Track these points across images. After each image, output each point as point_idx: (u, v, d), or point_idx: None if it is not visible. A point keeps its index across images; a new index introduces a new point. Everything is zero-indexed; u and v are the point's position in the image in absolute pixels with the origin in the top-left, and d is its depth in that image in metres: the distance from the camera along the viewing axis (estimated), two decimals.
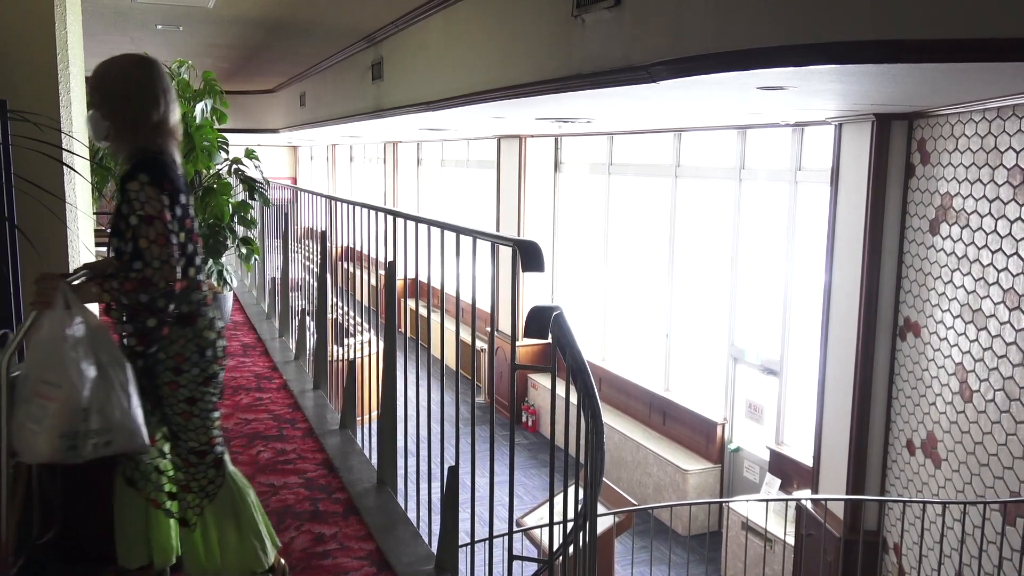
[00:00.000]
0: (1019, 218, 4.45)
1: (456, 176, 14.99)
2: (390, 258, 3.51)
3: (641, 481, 8.77)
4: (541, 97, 5.23)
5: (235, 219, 6.07)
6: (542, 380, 10.87)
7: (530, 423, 10.99)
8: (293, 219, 6.57)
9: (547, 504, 4.09)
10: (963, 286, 4.92)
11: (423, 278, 3.19)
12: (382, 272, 3.61)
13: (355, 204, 4.32)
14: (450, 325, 12.41)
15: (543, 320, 2.13)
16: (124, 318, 2.40)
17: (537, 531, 5.89)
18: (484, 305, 9.86)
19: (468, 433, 3.00)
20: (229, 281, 6.08)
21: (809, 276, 7.02)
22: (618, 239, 10.20)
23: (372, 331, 4.40)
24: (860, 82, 3.84)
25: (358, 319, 6.61)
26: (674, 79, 3.79)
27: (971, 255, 4.84)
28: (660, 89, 4.19)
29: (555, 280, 11.45)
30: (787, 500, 6.78)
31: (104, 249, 8.12)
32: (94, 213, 5.66)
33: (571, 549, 2.36)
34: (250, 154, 6.31)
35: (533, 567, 4.77)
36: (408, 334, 3.58)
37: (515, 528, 5.41)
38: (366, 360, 6.05)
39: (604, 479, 3.20)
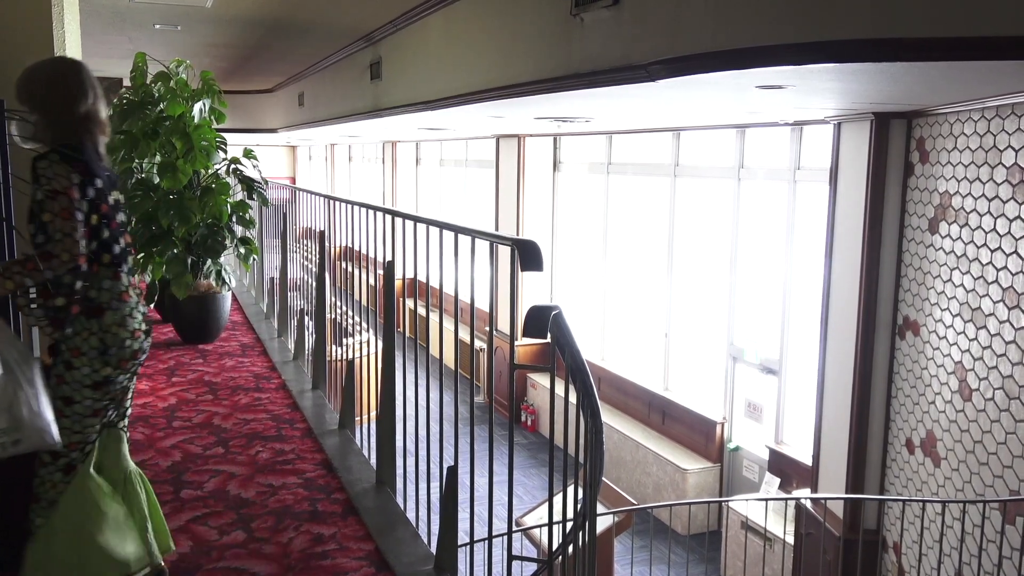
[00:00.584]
0: (1018, 217, 4.45)
1: (455, 175, 14.99)
2: (389, 258, 3.51)
3: (640, 480, 8.77)
4: (540, 96, 5.22)
5: (233, 219, 6.06)
6: (541, 380, 10.86)
7: (529, 423, 10.98)
8: (292, 219, 6.57)
9: (546, 504, 4.08)
10: (962, 285, 4.91)
11: (422, 278, 3.19)
12: (381, 272, 3.60)
13: (354, 204, 4.31)
14: (449, 325, 12.41)
15: (542, 320, 2.13)
16: (33, 305, 2.32)
17: (536, 531, 5.88)
18: (483, 305, 9.87)
19: (467, 433, 3.00)
20: (228, 281, 6.08)
21: (808, 275, 7.02)
22: (617, 238, 10.20)
23: (371, 331, 4.40)
24: (859, 81, 3.83)
25: (357, 319, 6.60)
26: (673, 78, 3.78)
27: (970, 254, 4.84)
28: (659, 88, 4.19)
29: (554, 279, 11.45)
30: (786, 499, 6.78)
31: None
32: None
33: (570, 549, 2.35)
34: (248, 154, 6.30)
35: (532, 567, 4.77)
36: (407, 334, 3.57)
37: (514, 528, 5.41)
38: (365, 360, 6.06)
39: (603, 479, 3.19)
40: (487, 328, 2.76)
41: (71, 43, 4.40)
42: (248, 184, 6.16)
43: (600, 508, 5.44)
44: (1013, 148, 4.48)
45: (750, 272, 8.04)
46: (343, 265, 6.24)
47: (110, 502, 2.47)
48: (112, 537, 2.44)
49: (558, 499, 3.01)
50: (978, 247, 4.77)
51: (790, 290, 7.41)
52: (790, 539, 6.46)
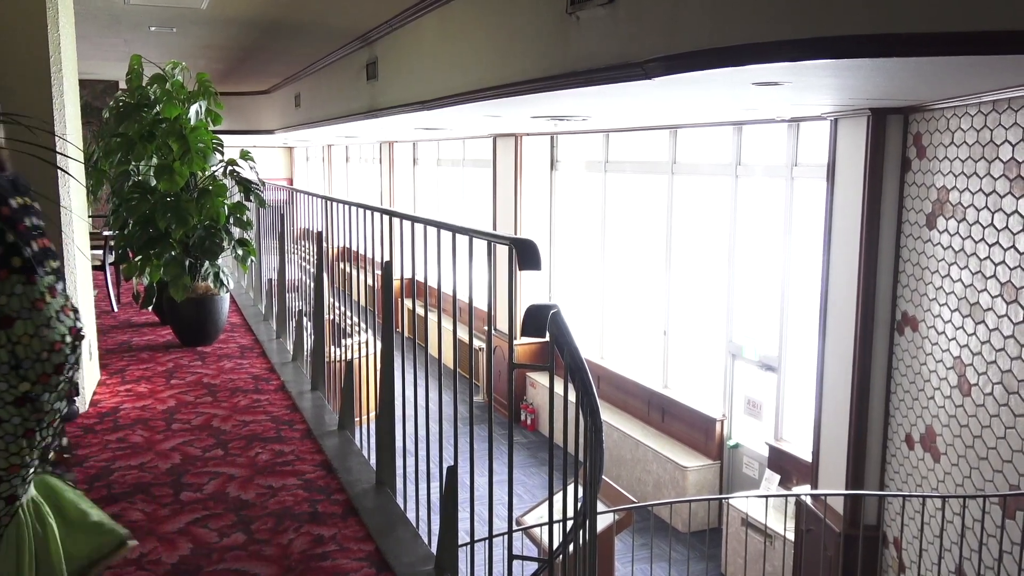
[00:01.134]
0: (1016, 211, 4.45)
1: (452, 175, 14.98)
2: (387, 258, 3.50)
3: (640, 478, 8.77)
4: (536, 95, 5.22)
5: (231, 221, 6.06)
6: (540, 379, 10.86)
7: (529, 422, 10.98)
8: (289, 220, 6.56)
9: (546, 503, 4.08)
10: (960, 280, 4.92)
11: (420, 278, 3.18)
12: (379, 272, 3.60)
13: (351, 204, 4.31)
14: (448, 325, 12.41)
15: (541, 318, 2.12)
16: None
17: (537, 530, 5.88)
18: (481, 304, 9.86)
19: (467, 432, 3.00)
20: (226, 283, 6.07)
21: (806, 272, 7.02)
22: (615, 237, 10.19)
23: (369, 331, 4.40)
24: (855, 77, 3.83)
25: (355, 319, 6.60)
26: (669, 75, 3.78)
27: (968, 249, 4.84)
28: (655, 86, 4.19)
29: (552, 278, 11.45)
30: (787, 496, 6.78)
31: (100, 252, 8.09)
32: (88, 216, 5.65)
33: (571, 547, 2.35)
34: (245, 155, 6.30)
35: (533, 566, 4.77)
36: (406, 334, 3.56)
37: (515, 527, 5.40)
38: (364, 361, 6.05)
39: (603, 477, 3.19)
40: (486, 327, 2.76)
41: (66, 46, 4.40)
42: (245, 186, 6.16)
43: (600, 506, 5.43)
44: (1010, 143, 4.48)
45: (748, 269, 8.04)
46: (341, 266, 6.24)
47: (43, 524, 2.29)
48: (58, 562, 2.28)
49: (558, 498, 3.01)
50: (976, 242, 4.77)
51: (788, 287, 7.41)
52: (790, 536, 6.46)
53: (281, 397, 4.93)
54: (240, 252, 6.18)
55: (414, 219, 3.24)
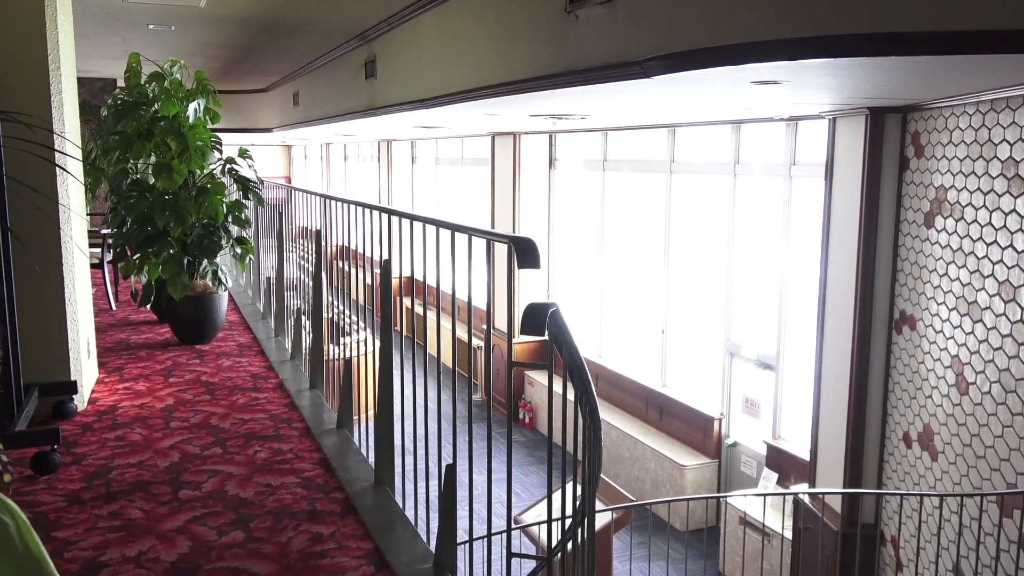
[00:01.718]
0: (1013, 210, 4.46)
1: (451, 174, 14.97)
2: (385, 256, 3.50)
3: (639, 477, 8.78)
4: (535, 94, 5.22)
5: (229, 219, 6.05)
6: (539, 377, 10.87)
7: (527, 420, 10.99)
8: (288, 218, 6.56)
9: (545, 501, 4.09)
10: (958, 279, 4.92)
11: (419, 276, 3.18)
12: (377, 270, 3.60)
13: (350, 203, 4.31)
14: (446, 323, 12.41)
15: (539, 317, 2.13)
16: None
17: (535, 528, 5.89)
18: (480, 303, 9.86)
19: (465, 431, 3.00)
20: (224, 281, 6.07)
21: (804, 270, 7.03)
22: (613, 235, 10.20)
23: (368, 330, 4.40)
24: (854, 76, 3.84)
25: (354, 318, 6.60)
26: (668, 74, 3.78)
27: (966, 248, 4.85)
28: (654, 84, 4.19)
29: (551, 277, 11.45)
30: (784, 494, 6.79)
31: (98, 250, 8.09)
32: (87, 214, 5.65)
33: (569, 546, 2.35)
34: (244, 153, 6.29)
35: (532, 564, 4.77)
36: (404, 332, 3.56)
37: (513, 526, 5.40)
38: (362, 359, 6.05)
39: (602, 475, 3.20)
40: (485, 326, 2.76)
41: (64, 44, 4.39)
42: (244, 184, 6.15)
43: (598, 505, 5.44)
44: (1008, 142, 4.49)
45: (747, 268, 8.05)
46: (340, 264, 6.24)
47: None
48: None
49: (557, 496, 3.01)
50: (973, 241, 4.78)
51: (786, 285, 7.42)
52: (788, 534, 6.47)
53: (280, 395, 4.93)
54: (238, 250, 6.17)
55: (413, 217, 3.24)
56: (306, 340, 5.41)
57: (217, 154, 6.05)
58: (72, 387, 4.40)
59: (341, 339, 5.41)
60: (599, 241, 10.36)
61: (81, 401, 4.59)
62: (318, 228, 5.11)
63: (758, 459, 7.76)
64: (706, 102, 5.74)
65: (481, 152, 12.87)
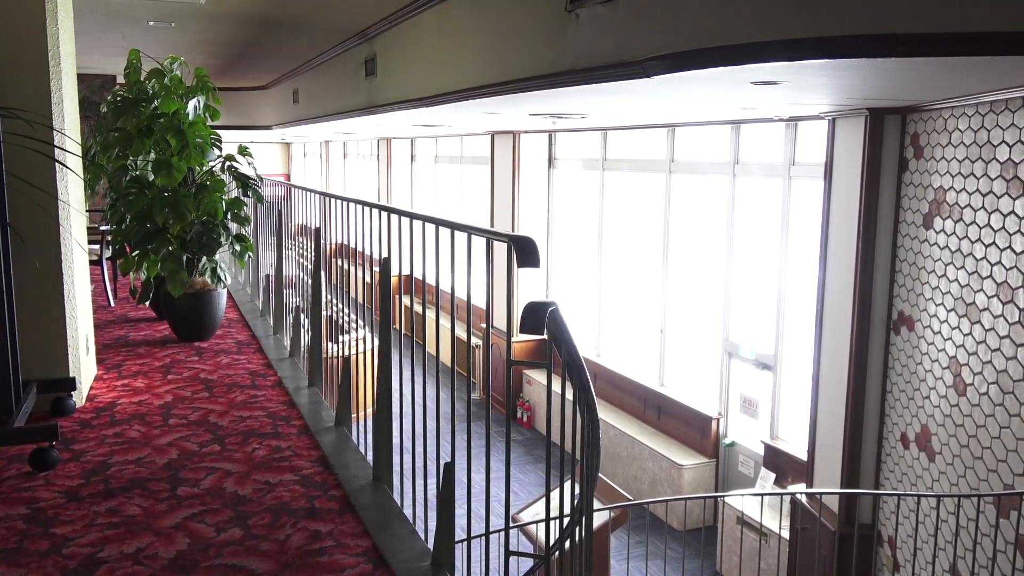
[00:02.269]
0: (1012, 212, 4.46)
1: (450, 172, 14.97)
2: (384, 254, 3.51)
3: (636, 476, 8.79)
4: (535, 93, 5.22)
5: (228, 216, 6.05)
6: (538, 376, 10.87)
7: (525, 419, 10.99)
8: (287, 216, 6.56)
9: (543, 500, 4.09)
10: (956, 280, 4.93)
11: (418, 275, 3.19)
12: (376, 269, 3.60)
13: (349, 200, 4.31)
14: (445, 322, 12.41)
15: (538, 316, 2.13)
16: None
17: (533, 527, 5.89)
18: (479, 301, 9.87)
19: (464, 429, 3.00)
20: (223, 278, 6.07)
21: (803, 271, 7.03)
22: (612, 235, 10.20)
23: (367, 328, 4.40)
24: (853, 76, 3.84)
25: (353, 316, 6.60)
26: (668, 74, 3.79)
27: (964, 249, 4.85)
28: (654, 84, 4.19)
29: (550, 276, 11.45)
30: (782, 494, 6.80)
31: (97, 246, 8.09)
32: (86, 210, 5.65)
33: (567, 545, 2.36)
34: (243, 151, 6.29)
35: (529, 563, 4.78)
36: (403, 331, 3.56)
37: (511, 524, 5.41)
38: (361, 357, 6.05)
39: (600, 474, 3.20)
40: (484, 325, 2.76)
41: (65, 40, 4.39)
42: (243, 181, 6.15)
43: (596, 504, 5.45)
44: (1007, 143, 4.50)
45: (745, 268, 8.06)
46: (338, 262, 6.24)
47: None
48: None
49: (555, 495, 3.02)
50: (972, 242, 4.78)
51: (785, 286, 7.42)
52: (785, 534, 6.48)
53: (278, 393, 4.93)
54: (238, 248, 6.17)
55: (412, 215, 3.24)
56: (305, 338, 5.41)
57: (217, 151, 6.05)
58: (71, 383, 4.40)
59: (340, 337, 5.42)
60: (598, 240, 10.37)
61: (80, 398, 4.59)
62: (317, 226, 5.11)
63: (756, 459, 7.77)
64: (706, 102, 5.74)
65: (480, 151, 12.87)
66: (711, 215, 8.40)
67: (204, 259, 5.95)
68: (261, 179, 6.42)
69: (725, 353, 8.25)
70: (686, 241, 8.87)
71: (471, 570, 5.72)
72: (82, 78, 5.94)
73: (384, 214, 3.62)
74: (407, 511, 3.33)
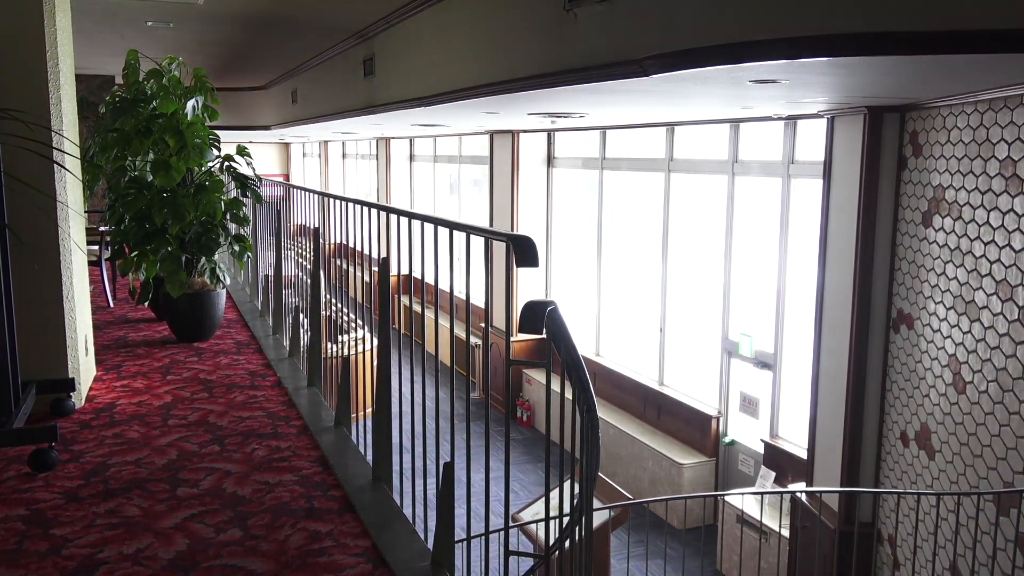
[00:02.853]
0: (1011, 210, 4.46)
1: (449, 172, 14.97)
2: (383, 254, 3.50)
3: (636, 475, 8.79)
4: (534, 92, 5.22)
5: (227, 216, 6.05)
6: (537, 375, 10.87)
7: (525, 418, 10.99)
8: (286, 216, 6.55)
9: (542, 499, 4.09)
10: (956, 278, 4.93)
11: (417, 274, 3.18)
12: (375, 268, 3.60)
13: (348, 200, 4.31)
14: (444, 321, 12.42)
15: (538, 315, 2.13)
16: None
17: (533, 526, 5.89)
18: (478, 301, 9.88)
19: (463, 429, 3.00)
20: (222, 279, 6.06)
21: (802, 269, 7.03)
22: (612, 234, 10.20)
23: (366, 328, 4.40)
24: (852, 75, 3.84)
25: (352, 316, 6.59)
26: (666, 72, 3.79)
27: (963, 247, 4.85)
28: (653, 83, 4.19)
29: (549, 275, 11.45)
30: (782, 493, 6.80)
31: (96, 247, 8.08)
32: (85, 211, 5.64)
33: (567, 544, 2.36)
34: (242, 151, 6.28)
35: (529, 562, 4.78)
36: (402, 330, 3.56)
37: (511, 524, 5.41)
38: (360, 357, 6.05)
39: (599, 474, 3.20)
40: (483, 324, 2.76)
41: (63, 40, 4.39)
42: (242, 181, 6.15)
43: (596, 503, 5.45)
44: (1006, 141, 4.49)
45: (745, 266, 8.06)
46: (338, 262, 6.23)
47: None
48: None
49: (554, 494, 3.02)
50: (971, 240, 4.78)
51: (784, 284, 7.42)
52: (786, 533, 6.48)
53: (277, 393, 4.93)
54: (237, 248, 6.16)
55: (411, 215, 3.24)
56: (304, 338, 5.41)
57: (215, 151, 6.04)
58: (70, 384, 4.40)
59: (339, 337, 5.42)
60: (597, 239, 10.36)
61: (79, 398, 4.59)
62: (316, 226, 5.11)
63: (756, 457, 7.77)
64: (705, 101, 5.74)
65: (479, 150, 12.87)
66: (710, 214, 8.40)
67: (203, 259, 5.95)
68: (260, 179, 6.42)
69: (725, 352, 8.25)
70: (685, 240, 8.87)
71: (471, 570, 5.72)
72: (80, 79, 5.94)
73: (383, 214, 3.62)
74: (407, 511, 3.33)
